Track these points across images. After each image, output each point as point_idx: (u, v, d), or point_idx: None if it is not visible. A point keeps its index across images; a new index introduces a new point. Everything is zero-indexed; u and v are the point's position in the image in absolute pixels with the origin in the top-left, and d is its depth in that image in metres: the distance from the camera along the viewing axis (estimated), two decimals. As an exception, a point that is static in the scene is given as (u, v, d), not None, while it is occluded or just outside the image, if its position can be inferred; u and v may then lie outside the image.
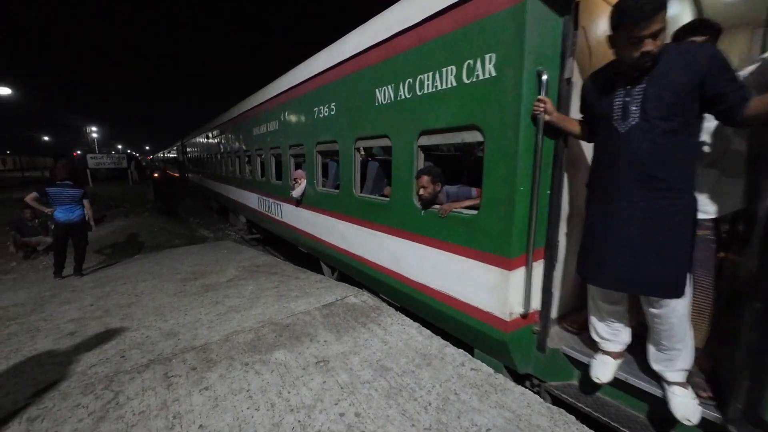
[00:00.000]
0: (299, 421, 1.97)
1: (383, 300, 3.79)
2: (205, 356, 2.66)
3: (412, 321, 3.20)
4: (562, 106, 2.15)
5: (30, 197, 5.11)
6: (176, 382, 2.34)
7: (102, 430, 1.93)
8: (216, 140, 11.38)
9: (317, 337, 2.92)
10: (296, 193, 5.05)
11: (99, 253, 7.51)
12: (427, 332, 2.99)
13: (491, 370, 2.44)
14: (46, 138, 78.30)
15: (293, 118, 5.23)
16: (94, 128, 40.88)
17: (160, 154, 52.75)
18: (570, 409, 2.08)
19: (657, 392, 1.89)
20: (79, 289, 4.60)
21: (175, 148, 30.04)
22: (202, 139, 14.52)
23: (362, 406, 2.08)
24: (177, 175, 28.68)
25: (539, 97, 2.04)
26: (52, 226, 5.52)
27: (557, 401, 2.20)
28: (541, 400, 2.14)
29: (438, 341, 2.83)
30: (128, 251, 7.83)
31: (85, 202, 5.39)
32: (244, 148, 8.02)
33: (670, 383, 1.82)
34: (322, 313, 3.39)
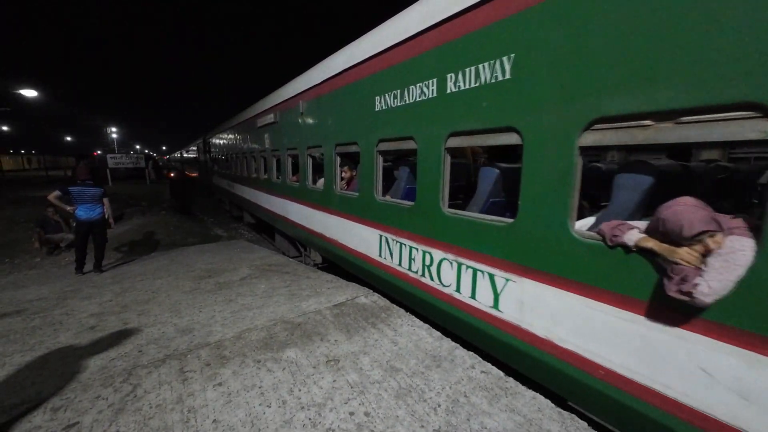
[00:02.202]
0: (310, 419, 1.99)
1: None
2: (219, 353, 2.72)
3: (422, 322, 3.20)
4: None
5: (53, 195, 5.31)
6: (191, 378, 2.40)
7: (120, 421, 1.99)
8: (264, 134, 7.56)
9: (328, 336, 2.95)
10: (716, 286, 1.41)
11: (117, 250, 7.73)
12: (437, 334, 2.98)
13: (502, 374, 2.43)
14: (68, 138, 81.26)
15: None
16: (113, 129, 42.17)
17: (177, 154, 53.67)
18: (582, 415, 2.04)
19: None
20: (99, 285, 4.76)
21: (194, 147, 26.39)
22: (235, 135, 11.02)
23: (372, 406, 2.09)
24: (195, 174, 28.27)
25: None
26: (74, 224, 5.72)
27: (568, 406, 2.17)
28: (553, 405, 2.12)
29: (448, 343, 2.83)
30: (145, 249, 8.04)
31: (105, 200, 5.57)
32: (354, 141, 4.13)
33: None
34: (333, 312, 3.42)
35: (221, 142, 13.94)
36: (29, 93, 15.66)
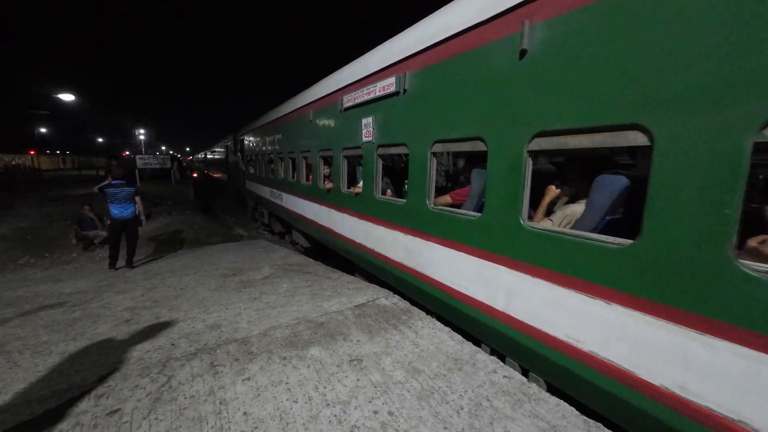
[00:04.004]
0: (335, 416, 2.05)
1: None
2: (246, 348, 2.82)
3: (442, 325, 3.22)
4: None
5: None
6: (221, 371, 2.51)
7: (159, 410, 2.11)
8: (362, 118, 4.18)
9: (350, 336, 3.01)
10: None
11: (146, 247, 8.09)
12: (458, 337, 3.00)
13: (524, 379, 2.42)
14: (100, 139, 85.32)
15: None
16: (141, 130, 44.03)
17: (200, 155, 55.20)
18: (608, 423, 2.02)
19: None
20: (131, 280, 5.00)
21: (220, 147, 23.69)
22: (288, 128, 7.42)
23: (395, 406, 2.13)
24: (218, 175, 28.15)
25: None
26: (108, 221, 6.05)
27: (593, 414, 2.15)
28: (578, 412, 2.10)
29: (469, 347, 2.84)
30: (172, 246, 8.37)
31: (137, 198, 5.87)
32: None
33: None
34: (355, 313, 3.48)
35: (263, 139, 10.02)
36: (67, 97, 16.59)
